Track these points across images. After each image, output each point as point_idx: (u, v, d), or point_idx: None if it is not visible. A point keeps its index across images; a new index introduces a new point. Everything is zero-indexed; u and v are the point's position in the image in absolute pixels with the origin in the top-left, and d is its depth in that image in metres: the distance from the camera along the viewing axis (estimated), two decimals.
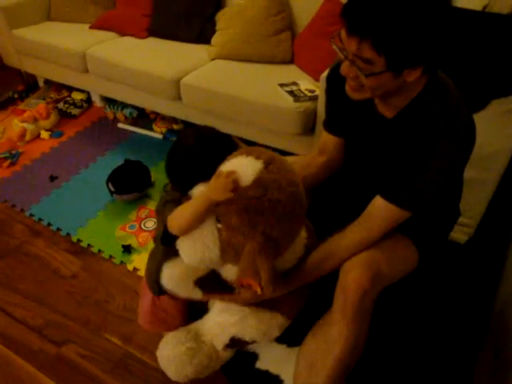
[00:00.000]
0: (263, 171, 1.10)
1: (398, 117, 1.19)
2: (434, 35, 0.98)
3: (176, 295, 1.33)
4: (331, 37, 1.08)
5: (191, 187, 1.20)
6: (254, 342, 1.34)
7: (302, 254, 1.29)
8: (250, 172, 1.09)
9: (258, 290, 1.16)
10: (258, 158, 1.12)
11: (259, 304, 1.30)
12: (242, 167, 1.10)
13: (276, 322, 1.31)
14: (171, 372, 1.34)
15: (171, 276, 1.28)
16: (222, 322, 1.34)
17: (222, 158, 1.17)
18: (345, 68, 1.08)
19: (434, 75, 1.12)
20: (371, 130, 1.28)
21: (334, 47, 1.08)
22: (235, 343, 1.34)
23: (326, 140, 1.46)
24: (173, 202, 1.22)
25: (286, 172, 1.14)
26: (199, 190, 1.17)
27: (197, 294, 1.31)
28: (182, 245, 1.20)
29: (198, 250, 1.16)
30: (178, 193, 1.24)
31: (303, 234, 1.31)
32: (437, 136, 1.09)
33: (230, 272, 1.24)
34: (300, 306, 1.37)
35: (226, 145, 1.23)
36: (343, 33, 1.02)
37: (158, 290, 1.35)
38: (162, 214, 1.23)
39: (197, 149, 1.20)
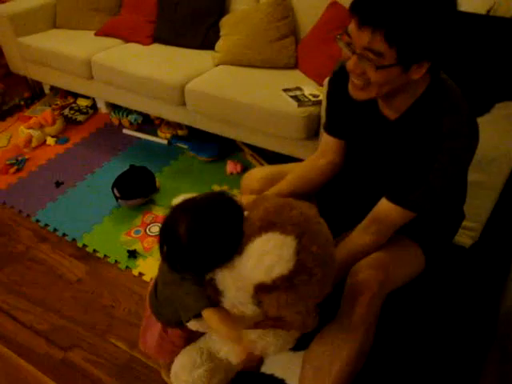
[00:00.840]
0: (299, 249, 0.98)
1: (401, 118, 1.19)
2: (444, 30, 0.99)
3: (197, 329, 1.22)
4: (337, 34, 1.08)
5: (209, 270, 1.08)
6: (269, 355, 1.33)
7: None
8: (287, 256, 0.97)
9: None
10: (285, 231, 0.99)
11: None
12: (276, 251, 0.97)
13: (292, 336, 1.29)
14: None
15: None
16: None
17: (230, 233, 1.03)
18: (351, 64, 1.07)
19: (436, 76, 1.13)
20: (374, 131, 1.28)
21: (341, 44, 1.08)
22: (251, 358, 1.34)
23: (327, 142, 1.47)
24: (190, 280, 1.09)
25: (318, 237, 1.02)
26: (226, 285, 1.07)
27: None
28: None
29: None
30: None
31: None
32: (440, 137, 1.10)
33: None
34: (317, 319, 1.36)
35: (227, 218, 1.05)
36: (352, 27, 1.01)
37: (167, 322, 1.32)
38: (177, 286, 1.12)
39: (195, 243, 1.02)
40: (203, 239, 1.01)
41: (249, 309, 1.08)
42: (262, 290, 1.01)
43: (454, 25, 1.01)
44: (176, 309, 1.15)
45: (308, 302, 1.03)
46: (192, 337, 1.36)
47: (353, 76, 1.12)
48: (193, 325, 1.13)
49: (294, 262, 0.97)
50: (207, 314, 1.05)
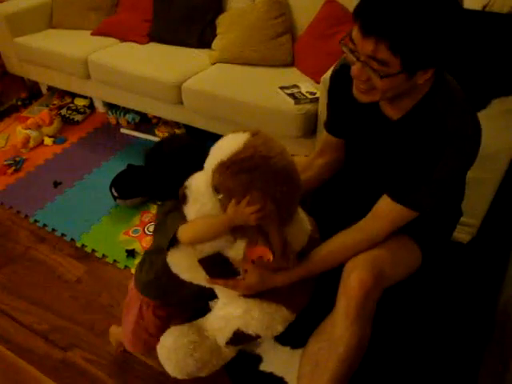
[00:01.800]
0: (251, 138, 1.14)
1: (403, 118, 1.19)
2: (448, 37, 0.98)
3: (179, 275, 1.30)
4: (341, 39, 1.07)
5: (176, 191, 1.22)
6: (257, 336, 1.32)
7: (305, 245, 1.29)
8: (239, 139, 1.14)
9: (271, 257, 1.17)
10: (244, 131, 1.17)
11: (263, 297, 1.29)
12: (232, 138, 1.16)
13: (280, 316, 1.30)
14: (171, 365, 1.33)
15: (175, 254, 1.27)
16: (226, 315, 1.33)
17: (197, 164, 1.21)
18: (356, 71, 1.06)
19: (440, 76, 1.12)
20: (375, 131, 1.27)
21: (344, 49, 1.06)
22: (238, 338, 1.32)
23: (327, 141, 1.47)
24: (173, 211, 1.24)
25: (272, 140, 1.18)
26: (199, 185, 1.18)
27: (200, 276, 1.28)
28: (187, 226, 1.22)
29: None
30: (171, 201, 1.26)
31: (307, 224, 1.33)
32: (444, 137, 1.09)
33: (237, 251, 1.24)
34: (303, 301, 1.36)
35: (198, 151, 1.26)
36: (356, 33, 1.00)
37: (154, 295, 1.38)
38: (164, 224, 1.25)
39: (169, 156, 1.28)
40: (179, 152, 1.28)
41: (208, 200, 1.17)
42: (217, 172, 1.13)
43: (457, 32, 0.99)
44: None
45: (255, 181, 1.11)
46: (166, 327, 1.40)
47: (356, 81, 1.11)
48: (175, 258, 1.26)
49: (244, 141, 1.13)
50: (182, 228, 1.19)
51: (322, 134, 1.49)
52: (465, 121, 1.10)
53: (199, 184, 1.17)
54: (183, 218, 1.21)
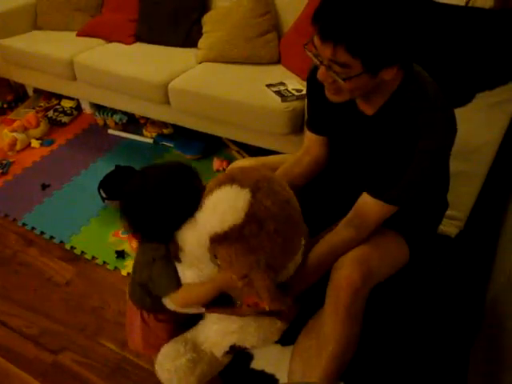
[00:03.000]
0: (252, 202, 1.03)
1: (377, 113, 1.20)
2: (406, 34, 1.00)
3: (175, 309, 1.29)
4: (304, 44, 1.09)
5: (168, 234, 1.14)
6: (254, 347, 1.34)
7: (300, 261, 1.25)
8: (239, 206, 1.02)
9: (266, 307, 1.15)
10: (242, 186, 1.05)
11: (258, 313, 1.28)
12: (230, 202, 1.04)
13: (275, 328, 1.30)
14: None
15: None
16: (222, 329, 1.32)
17: (186, 194, 1.11)
18: (321, 74, 1.09)
19: (409, 70, 1.14)
20: (353, 127, 1.29)
21: (309, 54, 1.09)
22: (235, 350, 1.33)
23: (310, 139, 1.48)
24: (161, 260, 1.17)
25: (275, 195, 1.07)
26: (193, 249, 1.11)
27: (199, 309, 1.28)
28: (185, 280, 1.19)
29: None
30: (160, 244, 1.18)
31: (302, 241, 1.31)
32: (416, 133, 1.11)
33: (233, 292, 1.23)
34: (296, 311, 1.37)
35: (183, 180, 1.15)
36: (316, 39, 1.02)
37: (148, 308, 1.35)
38: (149, 269, 1.19)
39: (154, 192, 1.11)
40: (158, 201, 1.10)
41: (205, 266, 1.11)
42: (215, 241, 1.05)
43: (418, 27, 1.01)
44: (152, 290, 1.23)
45: (260, 257, 1.04)
46: (177, 329, 1.38)
47: (325, 84, 1.13)
48: (168, 303, 1.22)
49: (246, 212, 1.02)
50: (172, 296, 1.16)
51: (306, 133, 1.50)
52: (435, 116, 1.11)
53: (193, 248, 1.10)
54: (172, 271, 1.17)
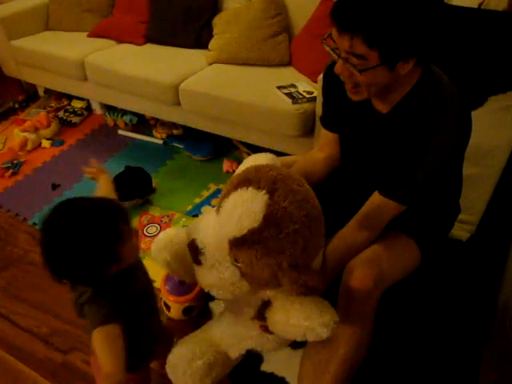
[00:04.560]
0: (270, 203, 0.99)
1: (392, 111, 1.20)
2: (424, 26, 1.00)
3: None
4: (323, 38, 1.10)
5: (94, 275, 1.04)
6: (268, 351, 1.34)
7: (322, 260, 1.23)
8: (257, 209, 0.99)
9: None
10: (259, 188, 1.02)
11: None
12: (247, 205, 1.00)
13: None
14: None
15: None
16: (238, 333, 1.31)
17: (105, 239, 1.01)
18: (338, 67, 1.10)
19: (427, 69, 1.14)
20: (367, 125, 1.29)
21: (327, 48, 1.10)
22: (251, 353, 1.33)
23: (325, 136, 1.48)
24: (89, 303, 1.06)
25: (293, 194, 1.03)
26: (213, 251, 1.08)
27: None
28: (212, 290, 1.16)
29: (226, 290, 1.12)
30: (87, 287, 1.08)
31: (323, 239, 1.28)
32: (430, 130, 1.10)
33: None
34: None
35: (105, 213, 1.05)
36: (334, 32, 1.04)
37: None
38: (84, 317, 1.09)
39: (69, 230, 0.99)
40: (76, 244, 0.99)
41: (226, 269, 1.08)
42: (235, 246, 1.03)
43: (435, 19, 1.02)
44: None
45: (280, 260, 1.02)
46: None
47: (344, 80, 1.14)
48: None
49: (263, 215, 0.99)
50: (95, 334, 1.02)
51: (321, 130, 1.50)
52: (450, 115, 1.11)
53: (213, 249, 1.08)
54: (100, 314, 1.04)
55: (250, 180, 1.04)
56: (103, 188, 1.34)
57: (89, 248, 0.98)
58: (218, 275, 1.08)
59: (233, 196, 1.04)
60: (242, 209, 1.00)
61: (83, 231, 0.99)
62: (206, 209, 2.39)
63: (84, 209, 1.04)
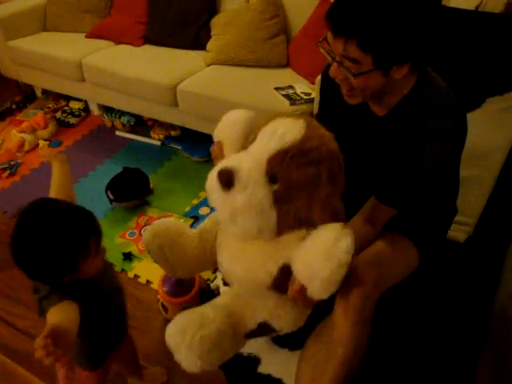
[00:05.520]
0: (309, 126, 1.07)
1: (388, 115, 1.21)
2: (418, 32, 1.00)
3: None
4: (319, 41, 1.11)
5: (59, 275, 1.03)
6: (278, 331, 1.25)
7: None
8: (298, 127, 1.05)
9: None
10: (297, 118, 1.09)
11: None
12: (288, 125, 1.07)
13: (306, 312, 1.27)
14: (193, 357, 1.09)
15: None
16: (255, 304, 1.23)
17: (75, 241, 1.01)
18: (333, 70, 1.10)
19: (423, 73, 1.14)
20: (363, 127, 1.29)
21: (322, 51, 1.11)
22: (260, 330, 1.24)
23: None
24: (47, 298, 1.06)
25: (324, 131, 1.11)
26: (250, 171, 1.04)
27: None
28: (236, 220, 1.06)
29: (253, 219, 1.05)
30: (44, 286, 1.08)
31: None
32: (426, 133, 1.11)
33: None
34: None
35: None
36: (329, 35, 1.05)
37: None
38: (43, 314, 1.07)
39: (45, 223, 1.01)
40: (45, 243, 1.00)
41: (261, 190, 1.04)
42: (276, 160, 1.04)
43: (429, 25, 1.02)
44: None
45: (320, 169, 1.04)
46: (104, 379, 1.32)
47: (339, 83, 1.14)
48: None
49: (305, 131, 1.04)
50: (50, 311, 1.01)
51: None
52: (445, 122, 1.11)
53: (249, 170, 1.03)
54: (56, 296, 1.04)
55: (286, 113, 1.11)
56: (56, 175, 1.35)
57: (54, 247, 0.98)
58: (249, 197, 1.02)
59: (271, 124, 1.08)
60: (285, 128, 1.05)
61: (55, 228, 0.99)
62: (204, 210, 2.38)
63: (64, 210, 1.05)
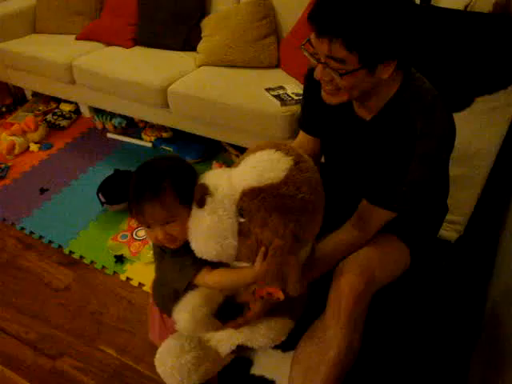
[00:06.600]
0: (293, 169, 1.04)
1: (375, 118, 1.20)
2: (402, 28, 1.00)
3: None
4: (301, 44, 1.09)
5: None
6: (260, 347, 1.31)
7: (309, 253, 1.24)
8: (281, 167, 1.03)
9: (281, 297, 1.13)
10: (287, 154, 1.06)
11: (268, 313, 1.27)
12: (273, 162, 1.04)
13: (286, 328, 1.30)
14: (174, 382, 1.25)
15: (189, 320, 1.18)
16: (230, 328, 1.29)
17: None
18: (318, 72, 1.09)
19: (408, 75, 1.14)
20: (349, 132, 1.29)
21: (305, 53, 1.09)
22: (242, 349, 1.31)
23: (303, 139, 1.48)
24: (169, 254, 1.18)
25: (314, 172, 1.09)
26: (223, 198, 1.07)
27: (214, 326, 1.25)
28: (198, 239, 1.10)
29: (215, 243, 1.07)
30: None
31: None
32: (414, 135, 1.11)
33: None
34: (302, 308, 1.36)
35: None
36: (313, 36, 1.04)
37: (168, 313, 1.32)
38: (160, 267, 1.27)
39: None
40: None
41: (228, 219, 1.06)
42: (248, 195, 1.04)
43: (413, 22, 1.02)
44: (169, 288, 1.23)
45: (287, 220, 1.03)
46: None
47: (322, 83, 1.13)
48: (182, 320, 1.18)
49: (286, 174, 1.02)
50: (199, 278, 1.14)
51: (299, 133, 1.50)
52: (433, 122, 1.11)
53: (223, 196, 1.06)
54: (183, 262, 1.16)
55: (279, 146, 1.08)
56: None
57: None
58: (216, 222, 1.05)
59: (259, 153, 1.07)
60: (268, 164, 1.04)
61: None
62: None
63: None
